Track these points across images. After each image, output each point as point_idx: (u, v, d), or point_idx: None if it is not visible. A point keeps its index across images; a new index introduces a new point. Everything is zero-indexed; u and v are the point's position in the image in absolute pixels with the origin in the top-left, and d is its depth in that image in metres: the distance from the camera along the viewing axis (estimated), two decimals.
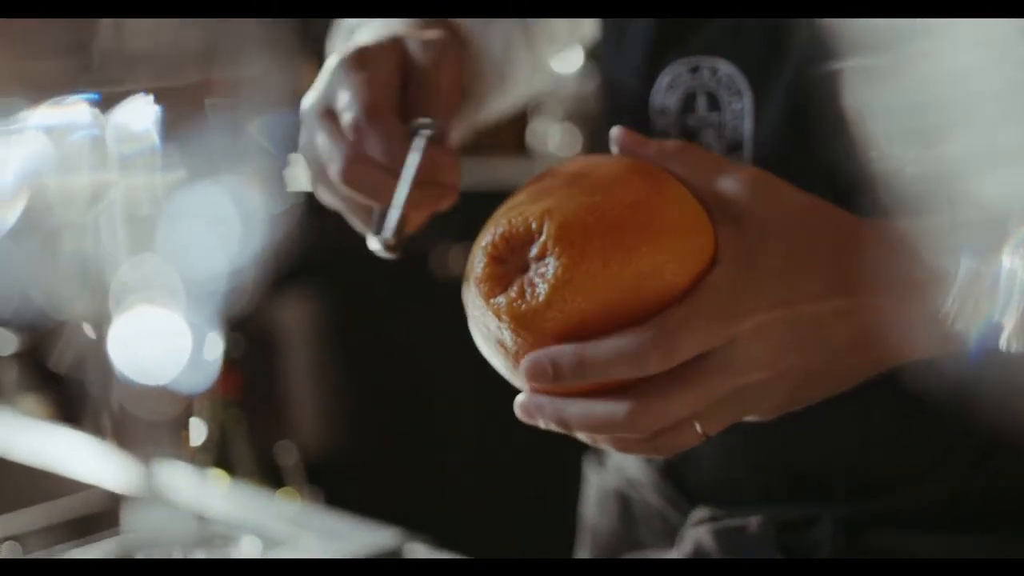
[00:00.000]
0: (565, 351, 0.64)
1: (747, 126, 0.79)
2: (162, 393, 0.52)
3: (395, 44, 0.78)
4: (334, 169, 0.73)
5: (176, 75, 0.45)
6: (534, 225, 0.66)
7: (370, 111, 0.73)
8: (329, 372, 2.52)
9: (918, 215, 0.69)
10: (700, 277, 0.65)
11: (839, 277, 0.66)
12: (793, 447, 0.81)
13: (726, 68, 0.80)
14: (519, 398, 0.68)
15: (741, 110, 0.80)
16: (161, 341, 0.48)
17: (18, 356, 1.95)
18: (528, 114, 2.61)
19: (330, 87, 0.76)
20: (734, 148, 0.80)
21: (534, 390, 0.67)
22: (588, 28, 1.03)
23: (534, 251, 0.65)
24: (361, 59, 0.76)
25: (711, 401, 0.65)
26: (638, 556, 0.90)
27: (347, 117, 0.73)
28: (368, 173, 0.73)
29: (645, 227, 0.65)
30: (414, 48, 0.78)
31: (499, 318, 0.66)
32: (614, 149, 0.72)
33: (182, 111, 0.45)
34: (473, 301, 0.68)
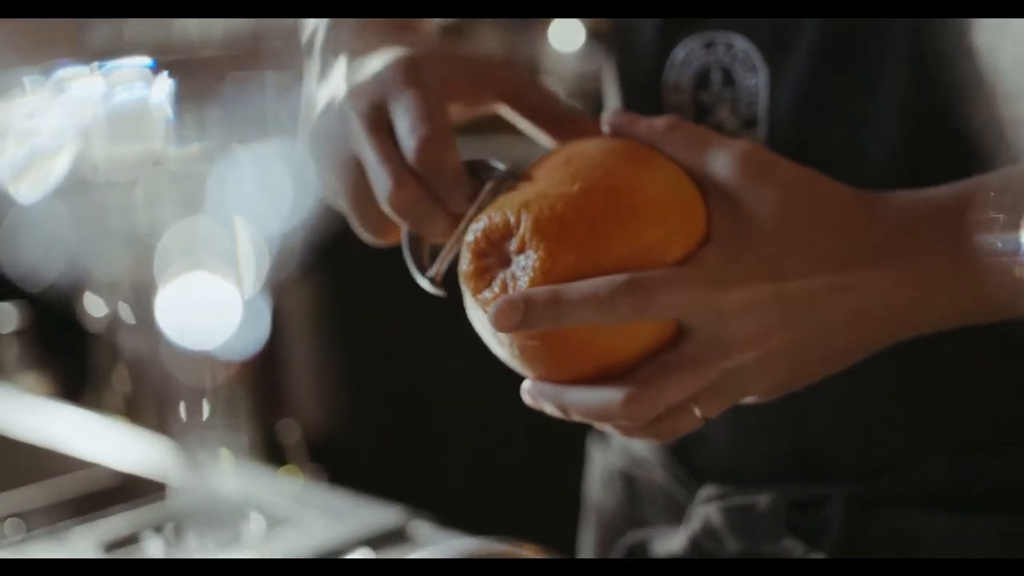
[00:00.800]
0: (537, 294, 0.63)
1: (762, 102, 0.79)
2: (209, 360, 0.52)
3: (453, 62, 0.75)
4: (382, 189, 0.69)
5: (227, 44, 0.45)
6: (512, 219, 0.66)
7: (438, 141, 0.69)
8: (331, 351, 2.52)
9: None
10: (689, 258, 0.65)
11: (833, 253, 0.66)
12: (802, 425, 0.81)
13: (741, 44, 0.80)
14: (525, 384, 0.68)
15: (756, 86, 0.79)
16: (209, 307, 0.48)
17: (18, 333, 1.95)
18: None
19: (381, 93, 0.71)
20: (749, 125, 0.80)
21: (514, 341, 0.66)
22: None
23: (514, 245, 0.66)
24: (422, 70, 0.72)
25: (705, 385, 0.65)
26: (644, 534, 0.90)
27: (409, 143, 0.69)
28: (419, 202, 0.69)
29: (624, 214, 0.65)
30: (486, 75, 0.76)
31: (487, 312, 0.66)
32: (605, 130, 0.72)
33: (229, 76, 0.44)
34: (465, 295, 0.68)
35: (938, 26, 0.72)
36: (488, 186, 0.69)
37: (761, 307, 0.65)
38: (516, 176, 0.69)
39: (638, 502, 0.91)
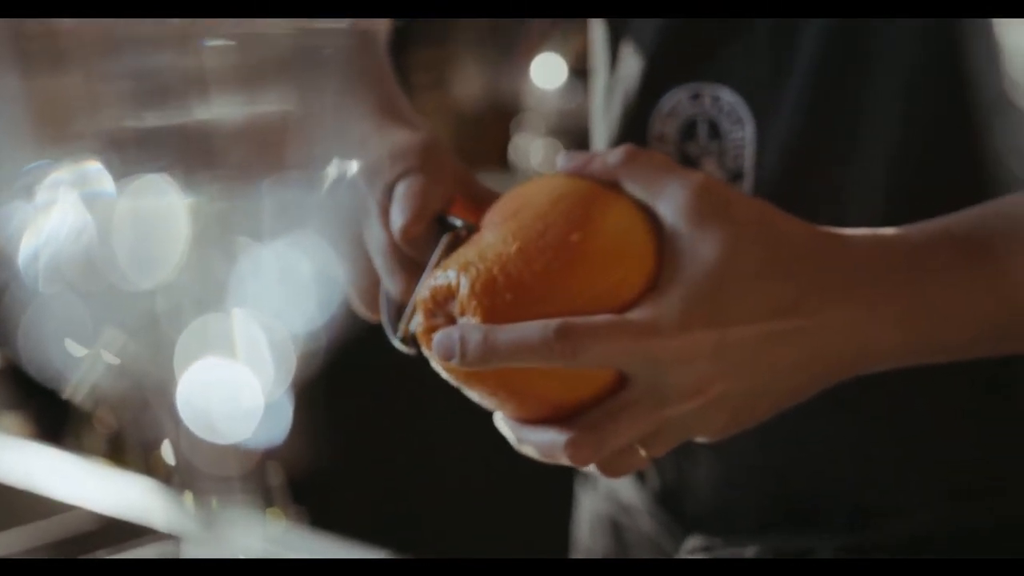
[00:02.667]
0: (474, 333, 0.64)
1: (749, 155, 0.79)
2: (232, 450, 0.51)
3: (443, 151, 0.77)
4: (377, 258, 0.73)
5: (249, 111, 0.45)
6: (453, 282, 0.67)
7: (423, 216, 0.72)
8: (314, 391, 2.51)
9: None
10: (634, 304, 0.65)
11: (781, 297, 0.65)
12: (790, 472, 0.80)
13: (728, 96, 0.79)
14: (495, 416, 0.70)
15: (743, 139, 0.79)
16: (231, 398, 0.47)
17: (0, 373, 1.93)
18: (511, 129, 2.61)
19: (392, 172, 0.74)
20: (735, 177, 0.79)
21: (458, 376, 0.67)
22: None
23: (456, 308, 0.67)
24: (431, 155, 0.75)
25: (647, 430, 0.65)
26: None
27: (399, 220, 0.72)
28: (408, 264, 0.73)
29: (562, 271, 0.65)
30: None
31: (443, 370, 0.67)
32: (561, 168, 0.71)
33: (255, 155, 0.44)
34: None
35: (925, 79, 0.73)
36: (443, 242, 0.70)
37: (700, 357, 0.64)
38: (471, 229, 0.70)
39: (625, 549, 0.91)
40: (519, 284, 0.65)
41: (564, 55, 2.57)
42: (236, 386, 0.47)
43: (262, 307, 0.45)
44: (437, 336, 0.66)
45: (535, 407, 0.67)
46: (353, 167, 0.76)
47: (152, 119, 0.42)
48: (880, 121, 0.75)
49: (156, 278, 0.42)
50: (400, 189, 0.72)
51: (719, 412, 0.66)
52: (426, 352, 0.69)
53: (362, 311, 0.77)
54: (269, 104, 0.45)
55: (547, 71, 2.62)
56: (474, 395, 0.68)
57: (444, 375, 0.68)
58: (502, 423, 0.69)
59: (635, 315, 0.64)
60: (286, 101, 0.45)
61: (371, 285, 0.75)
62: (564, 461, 0.66)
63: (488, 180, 0.90)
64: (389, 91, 0.84)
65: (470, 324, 0.65)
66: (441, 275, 0.67)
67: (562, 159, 0.71)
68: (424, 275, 0.70)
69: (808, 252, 0.66)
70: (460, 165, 0.77)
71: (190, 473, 0.51)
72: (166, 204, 0.42)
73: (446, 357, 0.65)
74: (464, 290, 0.66)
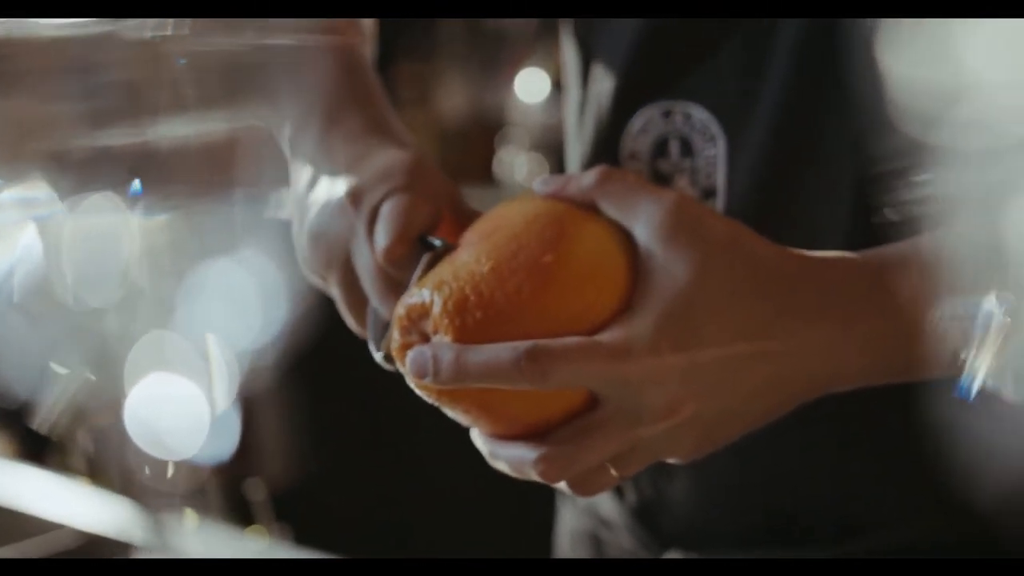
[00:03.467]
0: (446, 352, 0.65)
1: (721, 173, 0.79)
2: (180, 466, 0.51)
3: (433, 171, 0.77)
4: (365, 275, 0.74)
5: (197, 131, 0.44)
6: (427, 300, 0.67)
7: (405, 238, 0.72)
8: (297, 407, 2.50)
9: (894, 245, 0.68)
10: (606, 326, 0.65)
11: (752, 319, 0.65)
12: (770, 486, 0.80)
13: (700, 113, 0.79)
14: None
15: (715, 156, 0.79)
16: (179, 415, 0.47)
17: None
18: (496, 144, 2.61)
19: (380, 192, 0.75)
20: (708, 195, 0.79)
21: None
22: None
23: (429, 325, 0.67)
24: (417, 174, 0.75)
25: (616, 451, 0.65)
26: None
27: (382, 242, 0.72)
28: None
29: (534, 292, 0.66)
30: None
31: (417, 387, 0.68)
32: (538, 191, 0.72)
33: (202, 174, 0.44)
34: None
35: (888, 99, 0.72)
36: (423, 261, 0.71)
37: (671, 380, 0.64)
38: (449, 248, 0.70)
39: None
40: (491, 303, 0.65)
41: (548, 70, 2.57)
42: (184, 402, 0.46)
43: (209, 324, 0.45)
44: (410, 354, 0.66)
45: (507, 425, 0.67)
46: (340, 189, 0.77)
47: (102, 139, 0.41)
48: (848, 141, 0.75)
49: (105, 297, 0.42)
50: (384, 210, 0.73)
51: (691, 433, 0.66)
52: (401, 369, 0.69)
53: (354, 327, 0.77)
54: (217, 122, 0.44)
55: (531, 86, 2.62)
56: (448, 411, 0.69)
57: (418, 392, 0.68)
58: (477, 438, 0.69)
59: (606, 337, 0.64)
60: (234, 119, 0.45)
61: (361, 302, 0.76)
62: (534, 477, 0.66)
63: (473, 194, 0.90)
64: (378, 109, 0.84)
65: (443, 343, 0.65)
66: (416, 293, 0.68)
67: (539, 184, 0.71)
68: (404, 294, 0.70)
69: (780, 274, 0.66)
70: (448, 183, 0.77)
71: (141, 488, 0.50)
72: (115, 223, 0.41)
73: (419, 375, 0.66)
74: (437, 308, 0.66)
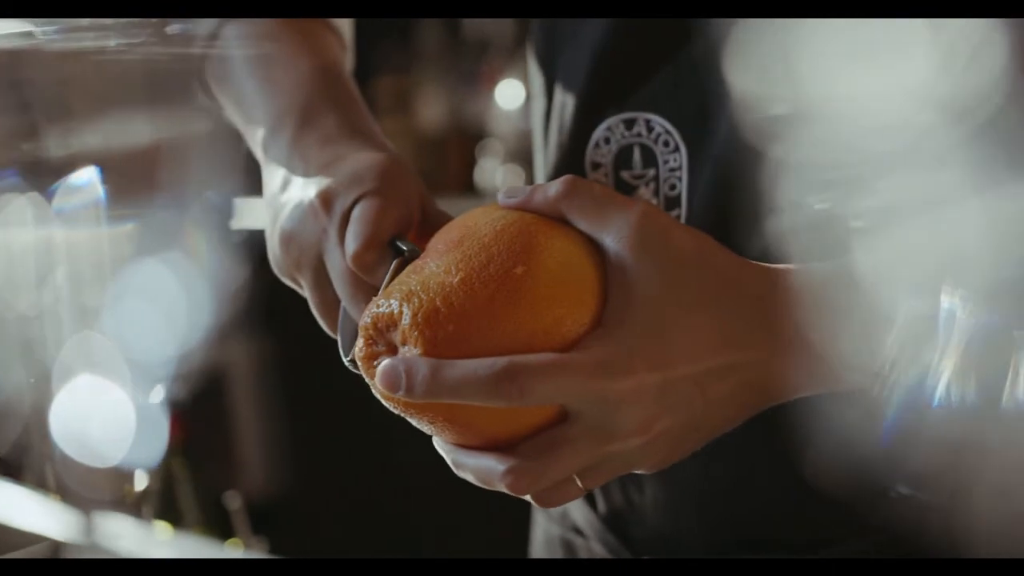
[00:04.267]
0: (420, 367, 0.64)
1: (683, 182, 0.79)
2: (107, 472, 0.51)
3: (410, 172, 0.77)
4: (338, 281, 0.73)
5: (124, 139, 0.44)
6: (395, 311, 0.66)
7: (374, 242, 0.72)
8: (275, 419, 2.49)
9: (828, 258, 0.68)
10: (578, 340, 0.65)
11: (718, 332, 0.65)
12: (736, 498, 0.80)
13: (660, 123, 0.80)
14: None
15: (679, 166, 0.79)
16: (105, 420, 0.47)
17: None
18: (476, 154, 2.61)
19: (352, 194, 0.74)
20: (671, 205, 0.79)
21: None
22: None
23: (398, 337, 0.66)
24: (390, 177, 0.75)
25: (587, 464, 0.65)
26: None
27: (352, 246, 0.72)
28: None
29: (505, 305, 0.65)
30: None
31: (384, 398, 0.67)
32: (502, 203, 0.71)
33: (129, 180, 0.43)
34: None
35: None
36: (392, 267, 0.71)
37: (647, 398, 0.64)
38: (416, 253, 0.70)
39: None
40: (461, 315, 0.64)
41: (526, 81, 2.57)
42: (110, 407, 0.46)
43: (136, 329, 0.44)
44: (382, 367, 0.65)
45: (474, 436, 0.66)
46: (312, 191, 0.76)
47: (30, 147, 0.41)
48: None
49: (31, 302, 0.41)
50: (355, 214, 0.73)
51: (659, 446, 0.66)
52: (366, 377, 0.68)
53: (326, 329, 0.77)
54: (141, 130, 0.44)
55: (511, 96, 2.62)
56: (412, 421, 0.68)
57: (384, 402, 0.68)
58: (441, 446, 0.69)
59: (585, 354, 0.64)
60: (159, 128, 0.45)
61: (332, 304, 0.76)
62: (502, 488, 0.66)
63: (453, 204, 0.90)
64: (354, 112, 0.83)
65: (415, 357, 0.64)
66: (383, 302, 0.67)
67: (503, 197, 0.70)
68: (373, 300, 0.69)
69: (745, 285, 0.67)
70: (420, 185, 0.76)
71: (67, 489, 0.50)
72: (40, 229, 0.41)
73: (391, 389, 0.64)
74: (406, 320, 0.65)
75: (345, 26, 0.96)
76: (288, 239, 0.75)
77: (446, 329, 0.64)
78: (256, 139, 0.82)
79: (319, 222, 0.74)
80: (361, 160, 0.76)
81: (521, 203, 0.69)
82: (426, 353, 0.64)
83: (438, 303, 0.65)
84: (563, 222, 0.68)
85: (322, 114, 0.82)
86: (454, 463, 0.68)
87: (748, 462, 0.71)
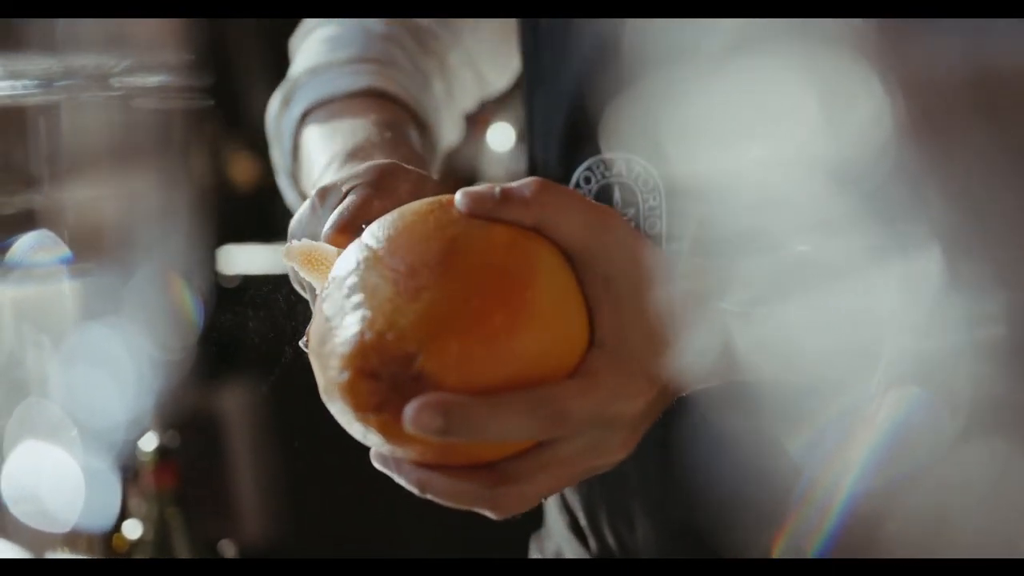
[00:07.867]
0: (459, 402, 0.61)
1: (663, 220, 0.79)
2: (60, 535, 0.50)
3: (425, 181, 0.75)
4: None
5: (85, 193, 0.43)
6: (410, 351, 0.62)
7: (350, 227, 0.70)
8: (270, 468, 2.48)
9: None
10: (578, 364, 0.64)
11: (672, 344, 0.66)
12: (724, 535, 0.80)
13: (638, 164, 0.80)
14: (379, 450, 0.66)
15: (658, 204, 0.79)
16: (55, 486, 0.46)
17: None
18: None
19: (348, 183, 0.73)
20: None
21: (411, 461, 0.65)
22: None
23: (406, 373, 0.62)
24: (388, 175, 0.74)
25: (571, 482, 0.66)
26: None
27: (326, 229, 0.71)
28: None
29: (520, 331, 0.62)
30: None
31: (358, 418, 0.64)
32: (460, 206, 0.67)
33: (84, 246, 0.42)
34: (334, 402, 0.65)
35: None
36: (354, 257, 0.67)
37: (648, 415, 0.65)
38: (371, 247, 0.66)
39: None
40: (475, 349, 0.62)
41: (515, 124, 2.59)
42: (60, 472, 0.45)
43: (85, 393, 0.43)
44: (415, 406, 0.61)
45: (457, 459, 0.64)
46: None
47: None
48: None
49: None
50: (343, 202, 0.72)
51: (624, 453, 0.66)
52: (338, 407, 0.65)
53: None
54: (93, 189, 0.43)
55: (502, 140, 2.63)
56: (378, 442, 0.64)
57: (354, 421, 0.64)
58: (406, 468, 0.65)
59: (593, 379, 0.63)
60: (112, 186, 0.44)
61: None
62: (483, 512, 0.65)
63: None
64: (403, 153, 0.82)
65: (451, 396, 0.61)
66: (392, 342, 0.62)
67: (461, 199, 0.66)
68: (334, 290, 0.66)
69: (669, 288, 0.66)
70: (425, 190, 0.74)
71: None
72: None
73: (427, 428, 0.60)
74: (425, 362, 0.62)
75: (446, 130, 0.99)
76: (292, 236, 0.75)
77: (467, 363, 0.62)
78: (311, 182, 0.82)
79: (316, 215, 0.74)
80: (372, 162, 0.75)
81: (491, 210, 0.66)
82: (450, 389, 0.61)
83: (451, 339, 0.62)
84: (534, 235, 0.66)
85: (371, 155, 0.81)
86: (419, 486, 0.64)
87: (738, 502, 0.71)
